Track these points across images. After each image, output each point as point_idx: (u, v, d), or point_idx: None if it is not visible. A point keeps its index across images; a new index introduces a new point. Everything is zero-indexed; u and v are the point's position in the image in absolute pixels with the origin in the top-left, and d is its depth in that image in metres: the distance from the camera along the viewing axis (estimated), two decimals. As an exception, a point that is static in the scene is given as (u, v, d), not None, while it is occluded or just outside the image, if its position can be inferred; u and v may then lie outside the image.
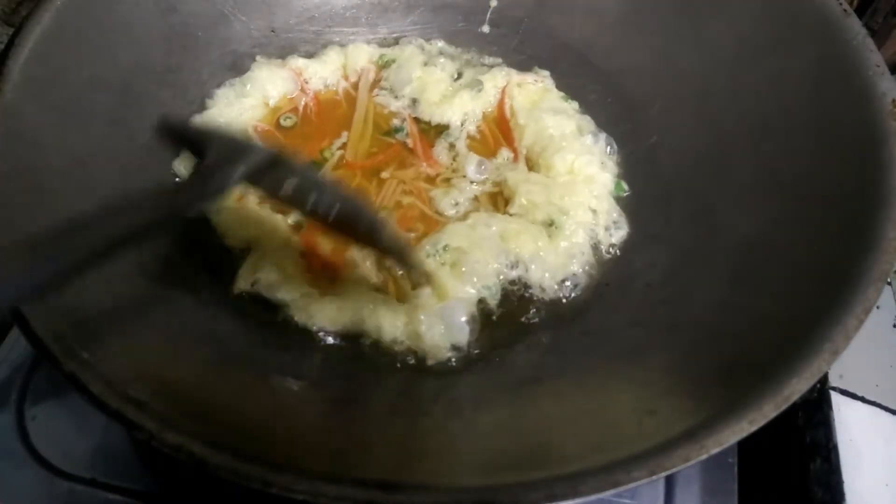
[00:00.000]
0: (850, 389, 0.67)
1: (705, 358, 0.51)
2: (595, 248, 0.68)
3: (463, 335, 0.60)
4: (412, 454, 0.46)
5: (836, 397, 0.67)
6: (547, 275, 0.65)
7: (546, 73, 0.80)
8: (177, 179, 0.69)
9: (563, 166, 0.72)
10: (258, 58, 0.78)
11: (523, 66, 0.82)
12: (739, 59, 0.69)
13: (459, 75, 0.81)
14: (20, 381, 0.66)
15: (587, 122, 0.76)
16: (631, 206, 0.71)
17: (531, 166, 0.75)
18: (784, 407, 0.43)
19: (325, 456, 0.44)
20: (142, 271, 0.57)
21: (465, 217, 0.69)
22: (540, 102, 0.77)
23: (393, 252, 0.58)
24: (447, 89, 0.79)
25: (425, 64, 0.80)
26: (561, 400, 0.52)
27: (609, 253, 0.68)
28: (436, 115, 0.78)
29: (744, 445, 0.63)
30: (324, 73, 0.80)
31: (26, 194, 0.53)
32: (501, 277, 0.65)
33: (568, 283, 0.65)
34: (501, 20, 0.85)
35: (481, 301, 0.63)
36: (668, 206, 0.69)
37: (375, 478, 0.41)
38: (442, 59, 0.81)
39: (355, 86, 0.81)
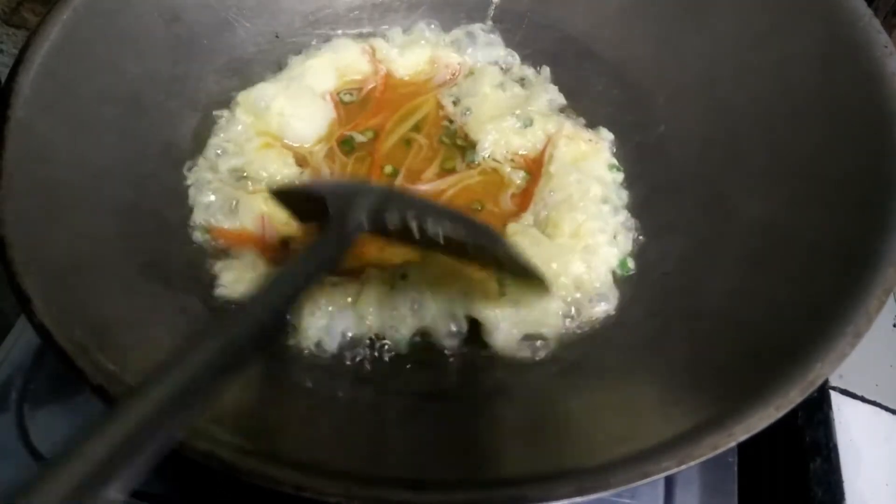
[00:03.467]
0: (850, 389, 0.68)
1: (727, 346, 0.51)
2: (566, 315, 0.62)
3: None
4: (438, 452, 0.46)
5: (836, 397, 0.67)
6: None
7: (608, 136, 0.75)
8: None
9: (569, 227, 0.66)
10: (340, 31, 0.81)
11: (527, 60, 0.82)
12: (745, 43, 0.69)
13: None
14: (21, 380, 0.66)
15: (618, 196, 0.70)
16: (641, 196, 0.71)
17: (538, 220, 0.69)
18: (809, 391, 0.43)
19: (353, 456, 0.44)
20: (159, 278, 0.58)
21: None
22: (583, 161, 0.72)
23: (515, 265, 0.55)
24: (501, 113, 0.77)
25: (499, 84, 0.80)
26: (583, 393, 0.53)
27: (580, 329, 0.61)
28: (477, 132, 0.76)
29: (743, 445, 0.63)
30: (405, 61, 0.81)
31: (42, 210, 0.53)
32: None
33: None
34: (504, 16, 0.85)
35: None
36: (679, 194, 0.69)
37: (406, 477, 0.41)
38: (516, 89, 0.80)
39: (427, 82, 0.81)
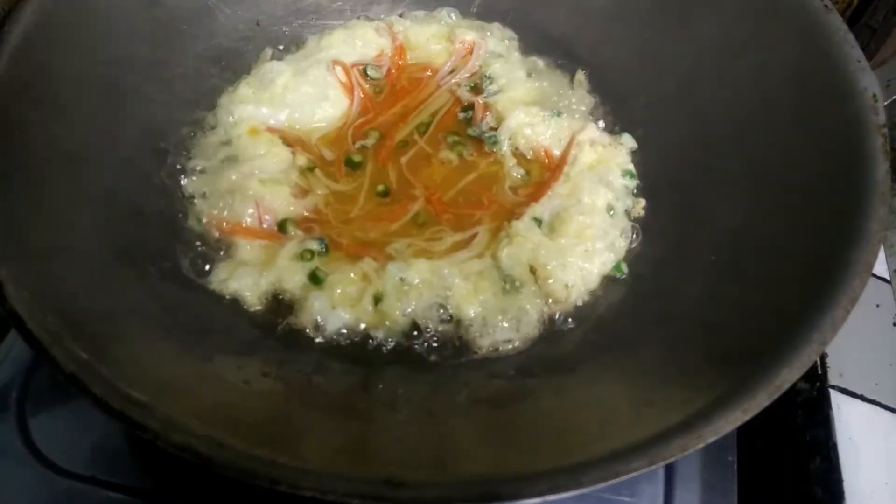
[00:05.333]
0: (850, 388, 0.69)
1: (697, 349, 0.53)
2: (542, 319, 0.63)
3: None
4: (415, 449, 0.46)
5: (835, 396, 0.68)
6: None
7: (629, 142, 0.75)
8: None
9: (573, 229, 0.66)
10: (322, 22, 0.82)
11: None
12: (723, 53, 0.71)
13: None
14: (21, 379, 0.66)
15: (625, 203, 0.70)
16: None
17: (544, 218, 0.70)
18: (776, 396, 0.45)
19: (330, 452, 0.44)
20: (135, 265, 0.57)
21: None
22: (600, 166, 0.72)
23: None
24: (533, 100, 0.78)
25: (531, 74, 0.80)
26: (556, 393, 0.53)
27: (556, 330, 0.62)
28: (505, 110, 0.76)
29: (743, 444, 0.64)
30: (422, 31, 0.81)
31: (19, 193, 0.52)
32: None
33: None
34: (487, 12, 0.86)
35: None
36: (653, 198, 0.70)
37: (381, 474, 0.41)
38: (545, 83, 0.80)
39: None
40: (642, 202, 0.71)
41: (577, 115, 0.78)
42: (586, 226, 0.67)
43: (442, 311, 0.62)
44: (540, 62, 0.82)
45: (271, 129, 0.74)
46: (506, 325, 0.61)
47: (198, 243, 0.65)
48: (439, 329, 0.61)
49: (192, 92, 0.73)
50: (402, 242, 0.68)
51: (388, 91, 0.81)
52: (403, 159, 0.75)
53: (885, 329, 0.73)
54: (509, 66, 0.80)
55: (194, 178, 0.69)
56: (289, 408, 0.49)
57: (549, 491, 0.41)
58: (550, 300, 0.64)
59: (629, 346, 0.57)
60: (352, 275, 0.63)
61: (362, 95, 0.79)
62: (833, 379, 0.69)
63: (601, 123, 0.77)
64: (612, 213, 0.69)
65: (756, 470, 0.66)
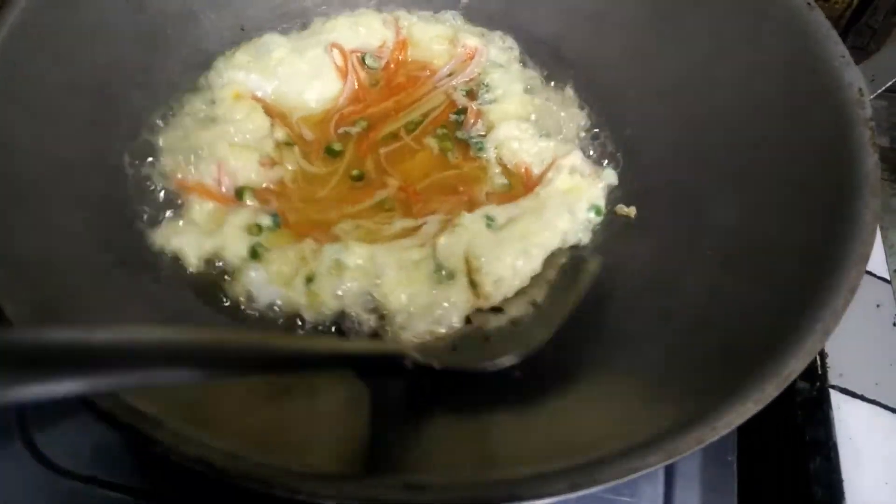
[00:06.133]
0: (850, 388, 0.69)
1: (702, 344, 0.53)
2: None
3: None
4: (430, 452, 0.46)
5: (835, 396, 0.69)
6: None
7: (609, 178, 0.73)
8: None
9: (519, 231, 0.66)
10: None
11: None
12: (710, 52, 0.72)
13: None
14: None
15: (581, 234, 0.70)
16: (610, 197, 0.73)
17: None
18: (785, 386, 0.45)
19: (343, 456, 0.44)
20: (131, 272, 0.56)
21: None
22: (571, 194, 0.71)
23: None
24: (526, 114, 0.77)
25: (530, 89, 0.80)
26: (564, 392, 0.53)
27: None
28: (496, 120, 0.76)
29: (743, 444, 0.65)
30: (427, 30, 0.80)
31: (9, 202, 0.51)
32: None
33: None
34: (473, 14, 0.86)
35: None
36: (647, 197, 0.71)
37: (400, 479, 0.41)
38: (540, 100, 0.79)
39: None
40: (633, 210, 0.71)
41: (566, 137, 0.77)
42: (533, 233, 0.66)
43: (370, 298, 0.62)
44: (538, 77, 0.81)
45: (256, 98, 0.74)
46: (430, 318, 0.61)
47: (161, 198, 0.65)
48: (364, 317, 0.61)
49: (178, 97, 0.72)
50: (350, 224, 0.68)
51: (384, 84, 0.80)
52: (384, 150, 0.74)
53: (885, 329, 0.74)
54: (508, 77, 0.80)
55: (169, 131, 0.69)
56: (302, 413, 0.48)
57: (569, 489, 0.41)
58: (479, 295, 0.63)
59: (632, 343, 0.57)
60: (291, 253, 0.63)
61: (356, 82, 0.78)
62: (833, 379, 0.70)
63: (591, 151, 0.77)
64: (563, 240, 0.68)
65: (756, 470, 0.67)
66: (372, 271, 0.62)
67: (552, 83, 0.81)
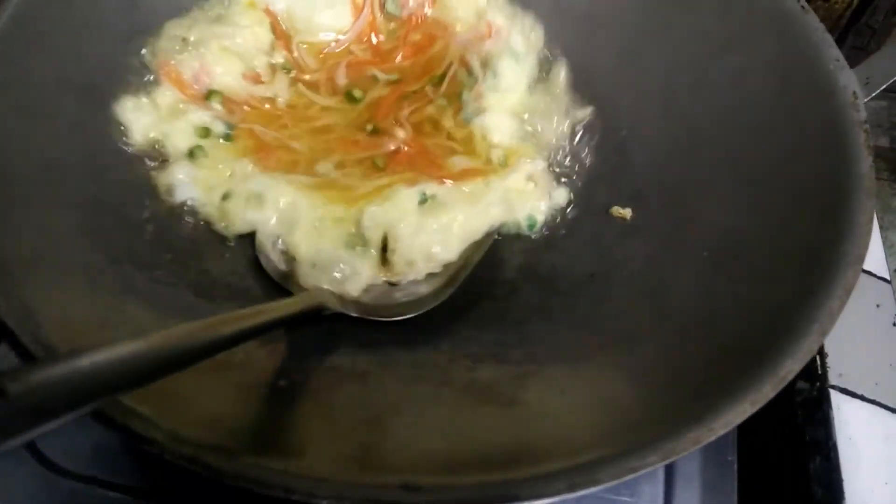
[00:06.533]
0: (850, 388, 0.69)
1: (698, 344, 0.53)
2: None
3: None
4: (426, 452, 0.45)
5: (835, 396, 0.69)
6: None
7: (559, 198, 0.73)
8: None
9: (444, 220, 0.65)
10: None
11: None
12: (703, 54, 0.72)
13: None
14: None
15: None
16: (604, 199, 0.73)
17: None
18: (782, 386, 0.45)
19: (340, 456, 0.44)
20: (125, 274, 0.55)
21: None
22: (517, 197, 0.71)
23: None
24: (523, 110, 0.77)
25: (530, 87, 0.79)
26: (561, 392, 0.53)
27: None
28: (493, 103, 0.75)
29: (743, 444, 0.65)
30: None
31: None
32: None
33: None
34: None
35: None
36: (641, 197, 0.71)
37: (396, 479, 0.41)
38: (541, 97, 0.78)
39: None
40: (628, 211, 0.71)
41: (548, 140, 0.76)
42: (460, 223, 0.66)
43: (280, 241, 0.63)
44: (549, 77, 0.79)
45: (268, 11, 0.73)
46: (333, 279, 0.62)
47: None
48: (272, 255, 0.63)
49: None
50: (329, 166, 0.69)
51: (400, 35, 0.78)
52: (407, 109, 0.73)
53: (885, 329, 0.74)
54: (518, 69, 0.78)
55: (179, 20, 0.71)
56: (294, 411, 0.48)
57: (567, 489, 0.41)
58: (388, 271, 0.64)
59: (627, 343, 0.57)
60: (223, 166, 0.65)
61: (370, 20, 0.76)
62: (833, 379, 0.70)
63: (584, 153, 0.76)
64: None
65: (756, 470, 0.66)
66: (288, 217, 0.63)
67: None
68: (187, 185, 0.64)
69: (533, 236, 0.71)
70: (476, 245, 0.67)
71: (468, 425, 0.49)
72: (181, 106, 0.68)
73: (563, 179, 0.75)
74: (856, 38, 0.61)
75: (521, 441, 0.47)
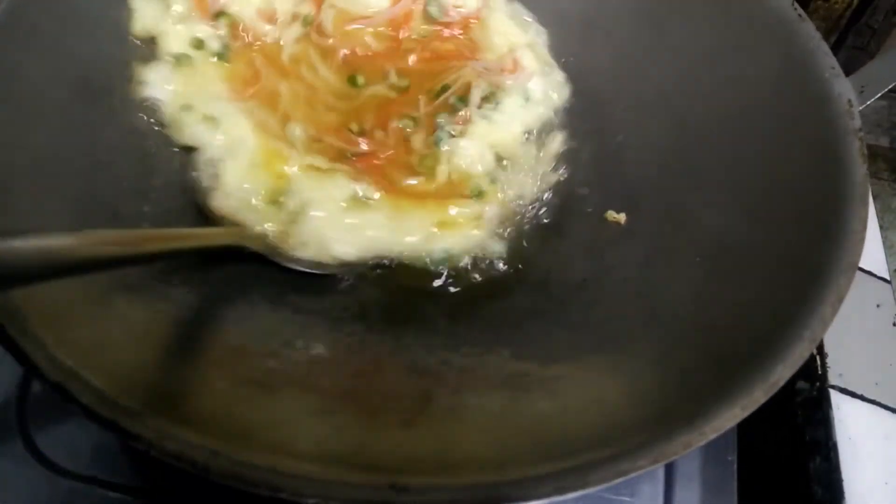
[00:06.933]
0: (850, 388, 0.69)
1: (690, 348, 0.53)
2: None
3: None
4: (415, 453, 0.45)
5: (835, 395, 0.69)
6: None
7: (497, 248, 0.69)
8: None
9: None
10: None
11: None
12: (699, 61, 0.72)
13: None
14: (21, 378, 0.64)
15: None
16: (599, 202, 0.72)
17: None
18: (773, 392, 0.45)
19: (327, 454, 0.43)
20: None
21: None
22: (451, 229, 0.67)
23: None
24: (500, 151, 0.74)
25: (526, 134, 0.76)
26: (553, 395, 0.53)
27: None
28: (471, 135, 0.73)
29: (743, 444, 0.65)
30: (500, 28, 0.78)
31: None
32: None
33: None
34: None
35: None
36: (636, 202, 0.71)
37: (385, 479, 0.40)
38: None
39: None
40: (623, 216, 0.70)
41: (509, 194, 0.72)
42: (371, 231, 0.65)
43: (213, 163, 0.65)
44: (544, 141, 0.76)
45: None
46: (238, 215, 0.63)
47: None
48: (204, 171, 0.66)
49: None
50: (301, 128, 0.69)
51: (427, 38, 0.78)
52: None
53: (885, 329, 0.74)
54: (521, 113, 0.75)
55: None
56: (286, 411, 0.48)
57: (556, 492, 0.40)
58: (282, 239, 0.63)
59: (620, 346, 0.57)
60: (199, 83, 0.68)
61: (407, 11, 0.76)
62: (833, 379, 0.70)
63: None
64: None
65: (756, 470, 0.66)
66: (231, 148, 0.65)
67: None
68: (158, 85, 0.67)
69: (435, 272, 0.66)
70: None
71: (458, 426, 0.49)
72: (188, 16, 0.70)
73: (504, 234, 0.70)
74: (856, 38, 0.61)
75: (511, 443, 0.47)
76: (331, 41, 0.75)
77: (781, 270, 0.54)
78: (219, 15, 0.71)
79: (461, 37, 0.79)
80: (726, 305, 0.56)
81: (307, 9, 0.74)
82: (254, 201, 0.64)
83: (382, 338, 0.59)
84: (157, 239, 0.45)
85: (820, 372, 0.70)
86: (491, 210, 0.69)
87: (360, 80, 0.74)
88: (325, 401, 0.49)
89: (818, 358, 0.70)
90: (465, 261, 0.67)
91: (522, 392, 0.53)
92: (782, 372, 0.46)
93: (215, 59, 0.70)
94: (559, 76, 0.79)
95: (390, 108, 0.74)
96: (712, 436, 0.43)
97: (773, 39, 0.67)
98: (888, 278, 0.77)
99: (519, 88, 0.77)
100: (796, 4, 0.68)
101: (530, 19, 0.83)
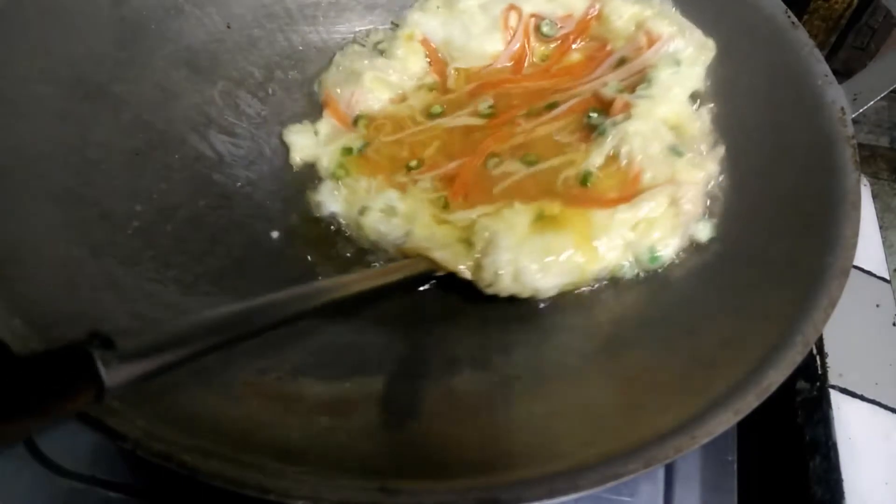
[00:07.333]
0: (850, 388, 0.69)
1: (682, 352, 0.53)
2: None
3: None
4: (407, 456, 0.45)
5: (835, 395, 0.68)
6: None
7: (703, 231, 0.62)
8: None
9: (560, 242, 0.59)
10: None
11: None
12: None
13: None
14: None
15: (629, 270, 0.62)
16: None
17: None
18: (765, 397, 0.46)
19: (320, 457, 0.43)
20: (104, 270, 0.54)
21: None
22: (649, 229, 0.61)
23: None
24: (672, 124, 0.68)
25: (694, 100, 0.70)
26: (544, 399, 0.53)
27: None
28: (638, 116, 0.66)
29: (743, 444, 0.65)
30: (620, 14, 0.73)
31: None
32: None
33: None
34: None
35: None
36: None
37: (375, 481, 0.40)
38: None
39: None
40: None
41: (695, 166, 0.64)
42: (567, 255, 0.59)
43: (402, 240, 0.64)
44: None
45: (424, 42, 0.77)
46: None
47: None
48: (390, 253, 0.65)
49: (160, 92, 0.71)
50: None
51: (553, 55, 0.77)
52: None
53: (885, 329, 0.74)
54: (678, 78, 0.69)
55: (347, 51, 0.80)
56: (279, 407, 0.47)
57: (548, 495, 0.40)
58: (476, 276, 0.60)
59: (611, 351, 0.57)
60: (362, 184, 0.69)
61: (520, 48, 0.77)
62: (833, 379, 0.70)
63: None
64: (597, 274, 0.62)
65: (756, 470, 0.66)
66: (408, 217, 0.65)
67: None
68: (330, 202, 0.68)
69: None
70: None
71: (450, 428, 0.49)
72: (335, 129, 0.74)
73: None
74: (856, 38, 0.61)
75: (502, 446, 0.46)
76: (455, 94, 0.76)
77: (774, 275, 0.55)
78: (357, 120, 0.74)
79: (585, 43, 0.77)
80: (718, 310, 0.56)
81: (431, 78, 0.77)
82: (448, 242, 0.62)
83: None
84: (356, 282, 0.49)
85: (820, 372, 0.70)
86: (693, 190, 0.63)
87: (436, 109, 0.74)
88: (315, 404, 0.48)
89: (818, 358, 0.70)
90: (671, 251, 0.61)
91: (514, 396, 0.52)
92: (774, 377, 0.46)
93: (364, 155, 0.71)
94: (698, 32, 0.72)
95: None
96: (704, 440, 0.43)
97: (767, 47, 0.68)
98: (888, 278, 0.77)
99: (665, 57, 0.70)
100: (790, 12, 0.68)
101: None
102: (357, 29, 0.83)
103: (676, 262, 0.62)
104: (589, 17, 0.76)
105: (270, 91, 0.77)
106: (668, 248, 0.61)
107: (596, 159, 0.65)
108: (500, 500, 0.40)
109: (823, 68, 0.64)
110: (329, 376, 0.51)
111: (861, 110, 0.62)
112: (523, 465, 0.43)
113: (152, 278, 0.56)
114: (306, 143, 0.73)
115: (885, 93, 0.62)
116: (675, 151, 0.65)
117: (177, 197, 0.65)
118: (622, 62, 0.72)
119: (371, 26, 0.84)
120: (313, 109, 0.77)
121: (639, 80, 0.70)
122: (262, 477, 0.39)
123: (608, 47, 0.75)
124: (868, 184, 0.86)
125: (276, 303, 0.44)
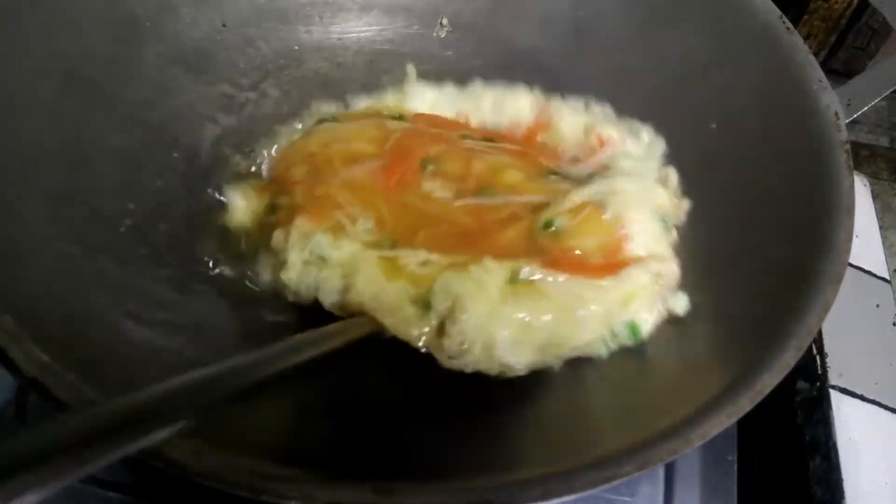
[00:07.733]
0: (850, 388, 0.69)
1: (676, 357, 0.53)
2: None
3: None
4: (402, 456, 0.45)
5: (835, 395, 0.68)
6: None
7: (679, 303, 0.58)
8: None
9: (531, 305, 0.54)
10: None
11: (477, 71, 0.82)
12: (688, 71, 0.73)
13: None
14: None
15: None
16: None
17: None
18: (758, 400, 0.45)
19: (312, 457, 0.42)
20: (93, 268, 0.54)
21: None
22: (628, 303, 0.56)
23: None
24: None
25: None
26: (533, 402, 0.53)
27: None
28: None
29: (743, 444, 0.65)
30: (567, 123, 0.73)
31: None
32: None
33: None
34: (454, 26, 0.85)
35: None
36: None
37: (368, 482, 0.40)
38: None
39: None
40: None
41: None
42: (547, 325, 0.54)
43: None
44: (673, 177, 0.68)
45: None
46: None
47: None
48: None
49: (154, 90, 0.70)
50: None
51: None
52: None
53: (885, 329, 0.74)
54: (639, 168, 0.66)
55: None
56: (273, 405, 0.47)
57: (542, 497, 0.40)
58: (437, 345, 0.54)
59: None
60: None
61: None
62: (833, 379, 0.70)
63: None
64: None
65: (756, 470, 0.66)
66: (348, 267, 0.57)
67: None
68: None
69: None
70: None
71: (445, 430, 0.48)
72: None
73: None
74: (856, 38, 0.61)
75: (497, 448, 0.46)
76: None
77: (768, 280, 0.55)
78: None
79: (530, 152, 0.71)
80: (711, 315, 0.56)
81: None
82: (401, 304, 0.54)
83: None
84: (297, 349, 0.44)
85: (820, 372, 0.70)
86: (673, 266, 0.60)
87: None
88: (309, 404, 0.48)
89: (818, 358, 0.70)
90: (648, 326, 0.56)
91: (508, 398, 0.52)
92: (768, 380, 0.46)
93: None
94: (647, 129, 0.73)
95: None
96: (698, 443, 0.43)
97: (762, 51, 0.68)
98: (888, 278, 0.77)
99: (619, 153, 0.70)
100: (784, 18, 0.68)
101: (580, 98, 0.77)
102: (353, 29, 0.83)
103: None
104: (543, 121, 0.75)
105: (265, 90, 0.77)
106: (647, 324, 0.56)
107: (576, 198, 0.60)
108: (493, 500, 0.39)
109: (818, 73, 0.65)
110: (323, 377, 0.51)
111: (854, 116, 0.62)
112: (517, 466, 0.43)
113: (145, 276, 0.56)
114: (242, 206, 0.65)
115: (879, 99, 0.62)
116: (664, 222, 0.62)
117: (170, 195, 0.64)
118: (576, 161, 0.70)
119: (367, 27, 0.84)
120: (306, 109, 0.76)
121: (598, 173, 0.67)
122: (253, 477, 0.38)
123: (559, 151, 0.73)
124: (868, 184, 0.86)
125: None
